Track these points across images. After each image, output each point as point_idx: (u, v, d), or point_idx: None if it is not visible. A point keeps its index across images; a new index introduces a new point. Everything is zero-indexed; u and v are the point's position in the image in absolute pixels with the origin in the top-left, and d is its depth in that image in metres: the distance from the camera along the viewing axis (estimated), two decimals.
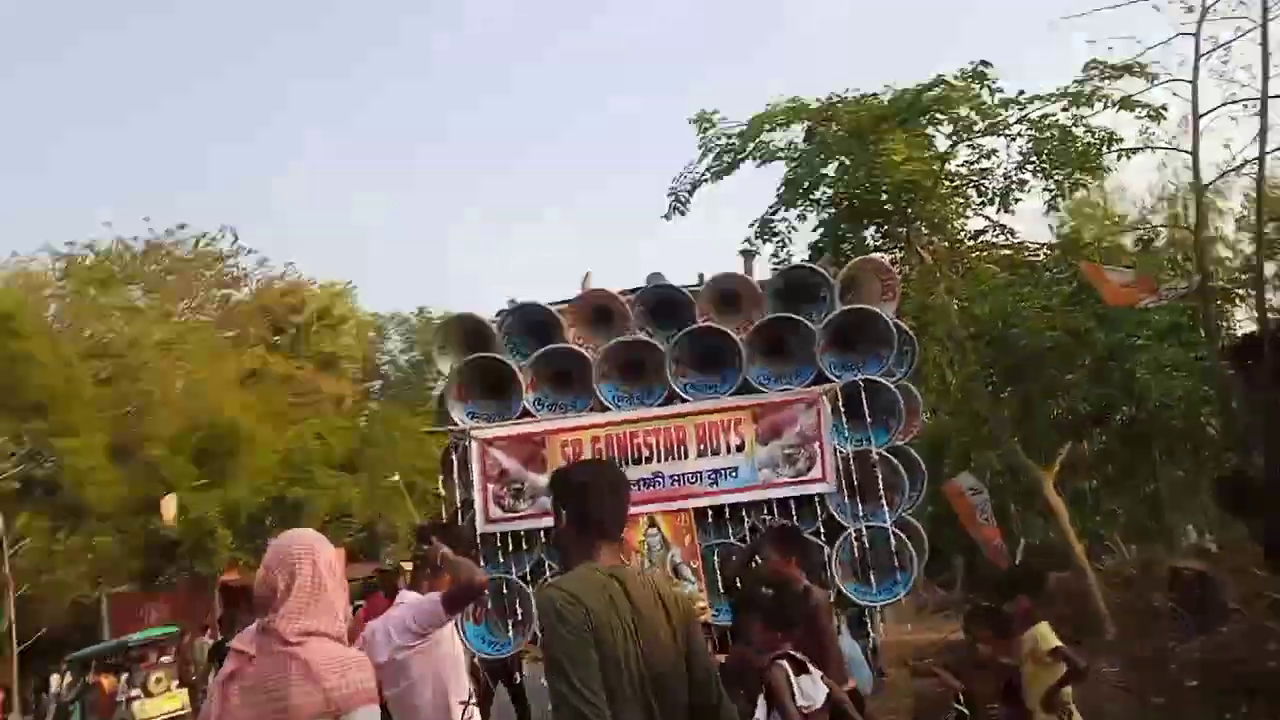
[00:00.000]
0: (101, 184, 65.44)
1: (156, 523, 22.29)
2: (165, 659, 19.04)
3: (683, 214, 13.61)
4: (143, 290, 33.92)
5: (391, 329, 45.70)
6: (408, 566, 11.49)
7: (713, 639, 6.10)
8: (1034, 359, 12.63)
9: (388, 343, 46.07)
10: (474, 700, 3.94)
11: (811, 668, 4.53)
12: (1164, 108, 11.57)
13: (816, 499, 7.09)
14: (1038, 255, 13.95)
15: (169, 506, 21.00)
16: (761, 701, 4.71)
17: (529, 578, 7.18)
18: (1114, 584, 13.62)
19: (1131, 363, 12.38)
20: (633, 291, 7.92)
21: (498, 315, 7.98)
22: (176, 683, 18.49)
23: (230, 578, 24.99)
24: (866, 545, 6.86)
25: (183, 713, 17.52)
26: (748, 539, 6.95)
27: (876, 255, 10.13)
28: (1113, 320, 11.98)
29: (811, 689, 4.50)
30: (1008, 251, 13.82)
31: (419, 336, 44.35)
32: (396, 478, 25.19)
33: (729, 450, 7.24)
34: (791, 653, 4.55)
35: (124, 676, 17.87)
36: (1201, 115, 10.84)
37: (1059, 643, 5.01)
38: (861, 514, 6.98)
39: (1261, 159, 10.56)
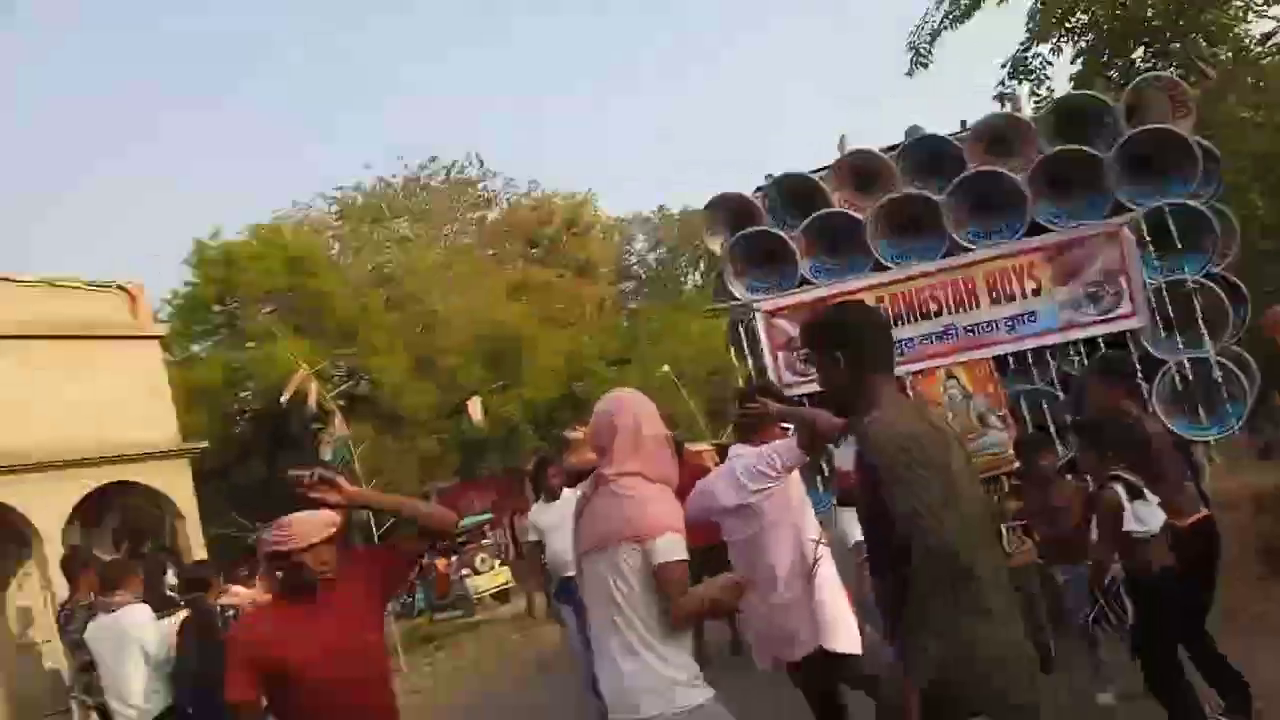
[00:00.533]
0: (353, 131, 70.13)
1: (465, 423, 24.36)
2: (486, 541, 21.28)
3: (925, 67, 12.94)
4: (409, 221, 36.45)
5: (635, 230, 46.52)
6: (692, 447, 11.98)
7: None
8: None
9: (634, 244, 46.99)
10: (824, 540, 4.03)
11: (1149, 494, 4.35)
12: None
13: (1128, 335, 6.68)
14: None
15: (475, 408, 22.90)
16: (1094, 527, 4.60)
17: None
18: None
19: None
20: (893, 148, 7.61)
21: (758, 190, 7.90)
22: (499, 561, 20.36)
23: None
24: (1190, 379, 6.43)
25: (508, 586, 19.29)
26: (1054, 384, 6.69)
27: (1161, 72, 9.23)
28: None
29: (1147, 514, 4.33)
30: None
31: (663, 234, 45.13)
32: (666, 368, 26.11)
33: (1024, 295, 6.91)
34: (1125, 476, 4.39)
35: (454, 558, 19.91)
36: None
37: None
38: (1181, 346, 6.54)
39: None
